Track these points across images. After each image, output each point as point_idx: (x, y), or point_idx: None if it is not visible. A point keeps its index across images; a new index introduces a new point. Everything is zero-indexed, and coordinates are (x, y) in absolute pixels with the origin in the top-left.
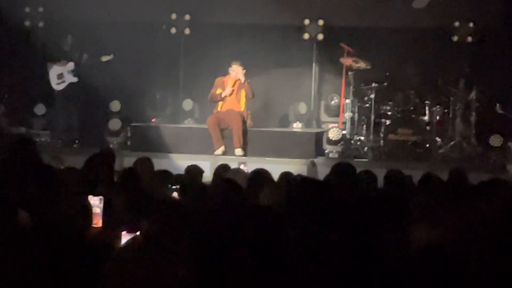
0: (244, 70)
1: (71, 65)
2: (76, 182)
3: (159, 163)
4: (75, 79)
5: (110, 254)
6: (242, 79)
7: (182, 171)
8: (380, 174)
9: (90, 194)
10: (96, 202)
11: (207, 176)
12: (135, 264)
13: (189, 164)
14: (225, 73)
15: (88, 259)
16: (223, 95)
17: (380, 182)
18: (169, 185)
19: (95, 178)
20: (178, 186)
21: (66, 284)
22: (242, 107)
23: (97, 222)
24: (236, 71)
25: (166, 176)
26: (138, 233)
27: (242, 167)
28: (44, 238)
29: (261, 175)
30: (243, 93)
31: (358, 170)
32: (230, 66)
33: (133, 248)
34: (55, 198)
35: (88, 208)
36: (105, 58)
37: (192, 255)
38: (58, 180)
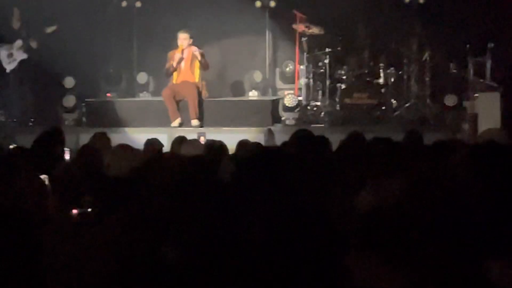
0: (192, 39)
1: (19, 43)
2: (26, 161)
3: (116, 138)
4: (25, 56)
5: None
6: (186, 44)
7: (139, 145)
8: (338, 139)
9: (42, 173)
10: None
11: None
12: (75, 238)
13: (147, 137)
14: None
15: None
16: (174, 65)
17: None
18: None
19: (45, 157)
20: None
21: (20, 264)
22: (196, 78)
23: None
24: (183, 39)
25: (124, 150)
26: (89, 209)
27: (201, 139)
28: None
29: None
30: (197, 64)
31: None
32: (177, 37)
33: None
34: (7, 178)
35: (44, 186)
36: (49, 30)
37: (138, 232)
38: (9, 160)
